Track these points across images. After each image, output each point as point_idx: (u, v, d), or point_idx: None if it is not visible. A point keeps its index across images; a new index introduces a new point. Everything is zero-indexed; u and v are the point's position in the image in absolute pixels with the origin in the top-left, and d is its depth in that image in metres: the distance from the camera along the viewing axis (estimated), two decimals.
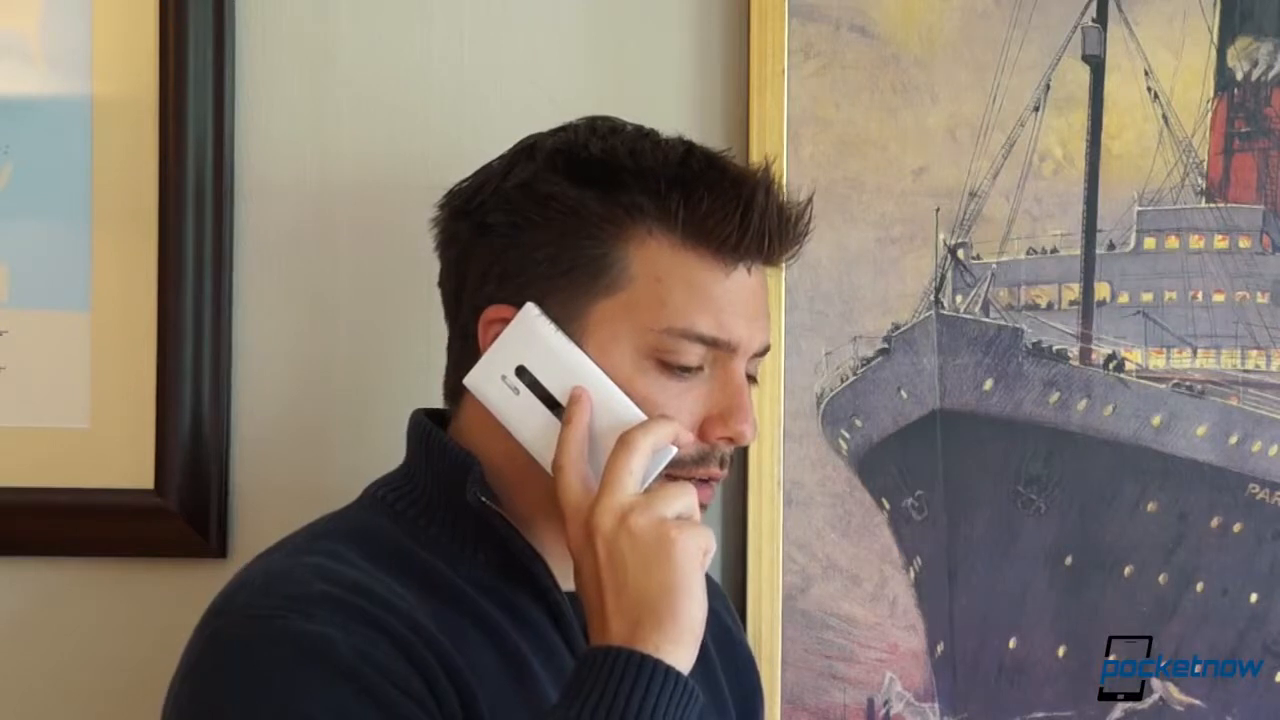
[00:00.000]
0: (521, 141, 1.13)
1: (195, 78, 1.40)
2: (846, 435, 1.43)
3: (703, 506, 1.07)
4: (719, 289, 1.07)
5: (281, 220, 1.44)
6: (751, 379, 1.12)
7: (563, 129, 1.12)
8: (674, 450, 1.03)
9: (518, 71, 1.43)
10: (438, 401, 1.17)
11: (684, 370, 1.06)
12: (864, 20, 1.42)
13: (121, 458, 1.43)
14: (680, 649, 0.96)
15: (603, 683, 0.93)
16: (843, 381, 1.43)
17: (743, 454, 1.41)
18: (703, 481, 1.08)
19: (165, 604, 1.43)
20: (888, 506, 1.43)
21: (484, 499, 1.07)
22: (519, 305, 1.06)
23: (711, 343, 1.06)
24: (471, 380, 1.08)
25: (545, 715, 0.97)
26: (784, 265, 1.14)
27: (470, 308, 1.10)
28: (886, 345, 1.43)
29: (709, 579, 1.35)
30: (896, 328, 1.43)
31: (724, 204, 1.05)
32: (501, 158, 1.13)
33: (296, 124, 1.44)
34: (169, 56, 1.41)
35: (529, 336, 1.06)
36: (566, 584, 1.07)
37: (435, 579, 1.06)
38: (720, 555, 1.43)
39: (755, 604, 1.41)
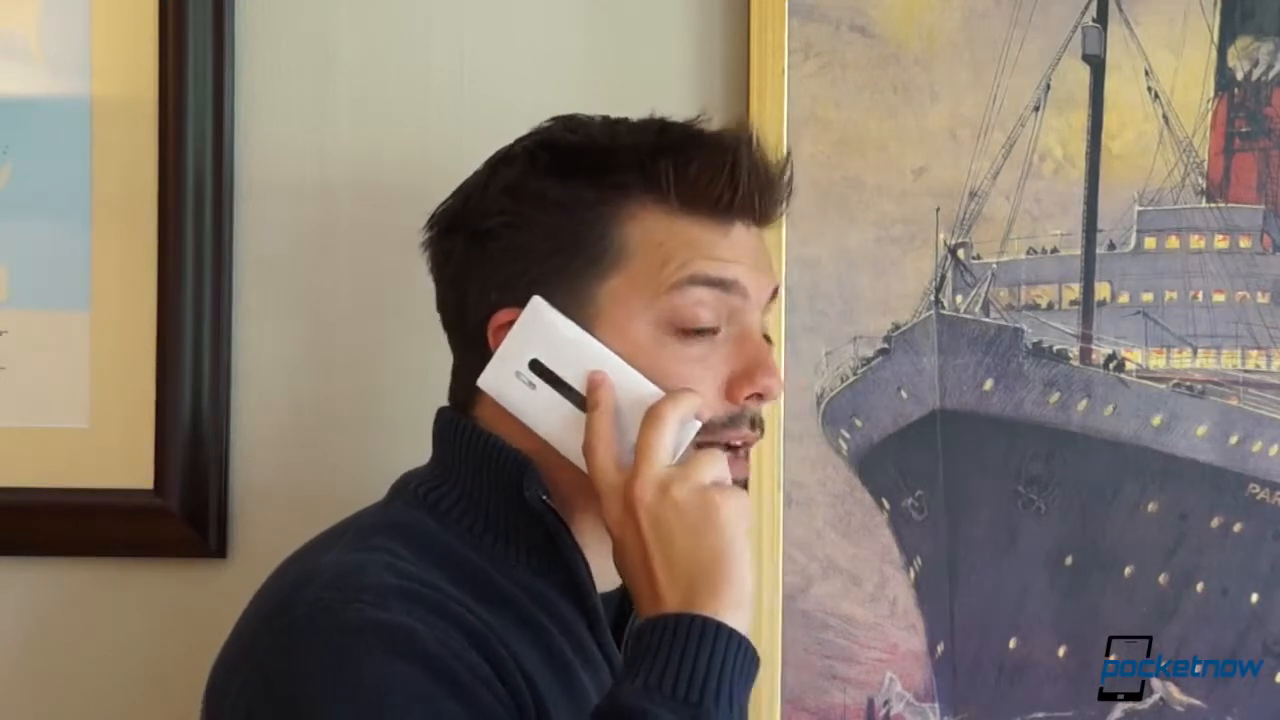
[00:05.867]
0: (494, 155, 1.14)
1: (195, 78, 1.40)
2: (846, 435, 1.43)
3: (742, 482, 1.08)
4: (721, 246, 1.07)
5: (281, 221, 1.44)
6: (766, 339, 1.11)
7: (534, 132, 1.13)
8: (698, 424, 1.04)
9: (517, 72, 1.43)
10: (437, 401, 1.16)
11: (700, 332, 1.06)
12: (864, 20, 1.42)
13: (121, 458, 1.43)
14: (738, 612, 0.97)
15: (669, 648, 0.94)
16: (843, 381, 1.43)
17: None
18: (737, 448, 1.08)
19: (165, 604, 1.43)
20: (888, 506, 1.43)
21: (544, 498, 1.06)
22: (525, 305, 1.06)
23: (718, 284, 1.06)
24: (485, 381, 1.07)
25: (616, 687, 0.95)
26: (772, 224, 1.14)
27: (476, 318, 1.09)
28: (886, 345, 1.43)
29: None
30: (896, 328, 1.43)
31: (711, 165, 1.06)
32: (478, 173, 1.13)
33: (296, 124, 1.44)
34: (169, 56, 1.41)
35: (539, 329, 1.05)
36: (601, 585, 1.08)
37: (484, 580, 1.04)
38: None
39: (755, 604, 1.40)
